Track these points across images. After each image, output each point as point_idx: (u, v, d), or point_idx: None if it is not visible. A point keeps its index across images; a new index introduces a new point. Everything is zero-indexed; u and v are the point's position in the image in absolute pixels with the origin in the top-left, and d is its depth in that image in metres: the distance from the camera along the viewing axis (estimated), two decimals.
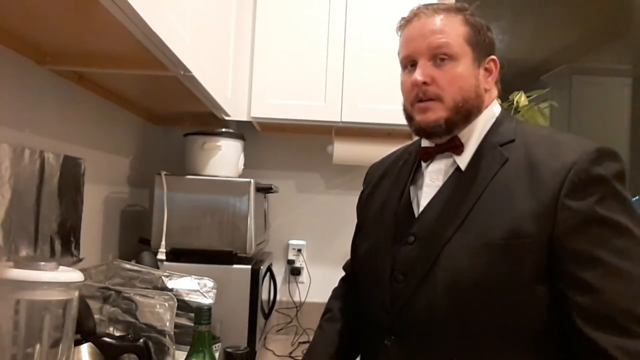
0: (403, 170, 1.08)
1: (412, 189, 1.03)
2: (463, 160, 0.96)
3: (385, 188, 1.10)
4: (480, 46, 0.96)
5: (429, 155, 1.01)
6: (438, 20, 0.95)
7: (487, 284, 0.85)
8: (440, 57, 0.94)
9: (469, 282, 0.86)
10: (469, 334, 0.87)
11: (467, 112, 0.95)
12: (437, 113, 0.94)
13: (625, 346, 0.77)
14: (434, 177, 0.98)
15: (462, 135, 0.96)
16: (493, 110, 1.00)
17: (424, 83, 0.94)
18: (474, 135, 0.96)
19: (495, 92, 1.01)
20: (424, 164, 1.03)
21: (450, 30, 0.94)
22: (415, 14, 0.99)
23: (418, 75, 0.94)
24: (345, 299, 1.19)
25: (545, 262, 0.84)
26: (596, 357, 0.79)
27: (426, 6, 0.99)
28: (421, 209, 0.97)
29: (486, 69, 0.98)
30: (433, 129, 0.95)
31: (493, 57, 0.99)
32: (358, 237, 1.16)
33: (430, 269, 0.90)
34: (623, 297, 0.79)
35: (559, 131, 0.97)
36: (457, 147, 0.96)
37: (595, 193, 0.82)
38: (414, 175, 1.04)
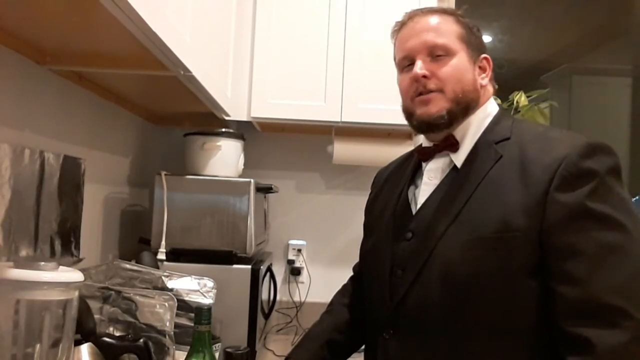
0: (404, 172, 1.10)
1: (411, 188, 1.06)
2: (459, 158, 0.98)
3: (387, 190, 1.14)
4: (473, 44, 0.99)
5: (428, 155, 1.03)
6: (432, 20, 0.98)
7: (479, 277, 0.87)
8: (437, 53, 0.96)
9: (461, 275, 0.88)
10: (462, 326, 0.88)
11: (466, 104, 0.97)
12: (439, 104, 0.96)
13: (605, 337, 0.77)
14: (431, 176, 1.01)
15: (457, 132, 0.98)
16: (488, 108, 1.01)
17: (424, 77, 0.95)
18: (469, 133, 0.98)
19: (490, 90, 1.03)
20: (423, 164, 1.05)
21: (445, 28, 0.97)
22: (409, 17, 1.02)
23: (418, 69, 0.95)
24: (349, 294, 1.23)
25: (536, 256, 0.85)
26: (578, 348, 0.80)
27: (418, 9, 1.03)
28: (419, 206, 1.00)
29: (480, 67, 1.00)
30: (435, 120, 0.96)
31: (486, 55, 1.01)
32: (364, 238, 1.20)
33: (425, 262, 0.92)
34: (607, 290, 0.79)
35: (555, 128, 0.99)
36: (452, 145, 0.98)
37: (585, 186, 0.82)
38: (414, 176, 1.07)
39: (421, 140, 1.08)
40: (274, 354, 1.79)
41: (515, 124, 0.98)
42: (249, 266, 1.57)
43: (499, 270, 0.86)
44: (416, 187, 1.04)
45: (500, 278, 0.86)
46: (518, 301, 0.86)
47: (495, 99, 1.07)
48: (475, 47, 0.99)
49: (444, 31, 0.97)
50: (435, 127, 0.98)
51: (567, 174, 0.83)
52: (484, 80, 1.00)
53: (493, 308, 0.87)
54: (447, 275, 0.89)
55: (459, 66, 0.96)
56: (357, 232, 2.13)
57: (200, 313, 1.00)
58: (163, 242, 1.57)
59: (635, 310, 0.77)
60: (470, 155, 0.96)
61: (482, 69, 1.00)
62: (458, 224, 0.90)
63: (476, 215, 0.89)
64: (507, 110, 1.07)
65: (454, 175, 0.97)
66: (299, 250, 2.12)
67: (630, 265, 0.80)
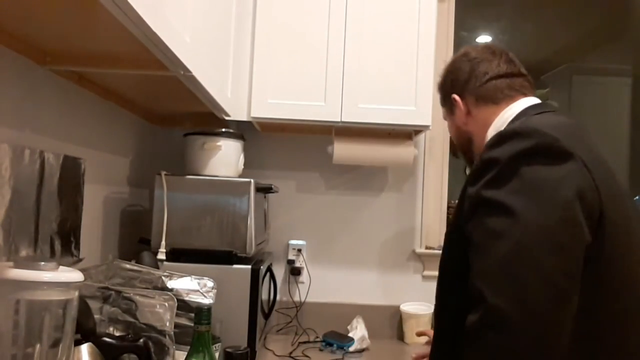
0: None
1: None
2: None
3: None
4: (447, 102, 1.18)
5: None
6: None
7: (445, 272, 0.97)
8: None
9: (441, 270, 0.98)
10: (438, 313, 0.99)
11: (463, 142, 1.17)
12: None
13: (468, 319, 0.78)
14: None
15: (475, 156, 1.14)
16: (497, 126, 1.06)
17: None
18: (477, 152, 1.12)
19: (481, 114, 1.10)
20: None
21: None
22: None
23: None
24: None
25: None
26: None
27: None
28: None
29: (451, 110, 1.17)
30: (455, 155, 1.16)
31: (452, 95, 1.15)
32: None
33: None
34: (477, 274, 0.79)
35: (527, 120, 0.97)
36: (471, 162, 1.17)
37: (484, 176, 0.83)
38: None
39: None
40: (274, 354, 1.80)
41: (517, 123, 0.98)
42: (249, 266, 1.57)
43: (453, 267, 0.94)
44: None
45: (455, 275, 0.93)
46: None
47: (528, 98, 1.07)
48: (447, 102, 1.18)
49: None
50: (456, 155, 1.14)
51: (476, 168, 0.87)
52: (459, 119, 1.14)
53: (454, 300, 0.94)
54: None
55: (449, 128, 1.22)
56: (357, 232, 2.14)
57: (200, 313, 1.00)
58: (163, 242, 1.57)
59: (491, 295, 0.75)
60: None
61: (452, 110, 1.16)
62: (450, 229, 0.99)
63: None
64: (538, 106, 1.04)
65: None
66: (299, 250, 2.12)
67: (504, 249, 0.76)
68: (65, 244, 1.25)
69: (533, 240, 0.75)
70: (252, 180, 1.62)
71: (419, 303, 2.09)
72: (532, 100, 1.05)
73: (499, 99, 1.07)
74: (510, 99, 1.06)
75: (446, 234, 0.98)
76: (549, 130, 0.83)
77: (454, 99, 1.13)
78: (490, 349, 0.74)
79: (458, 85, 1.13)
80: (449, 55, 2.22)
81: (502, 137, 0.85)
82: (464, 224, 0.85)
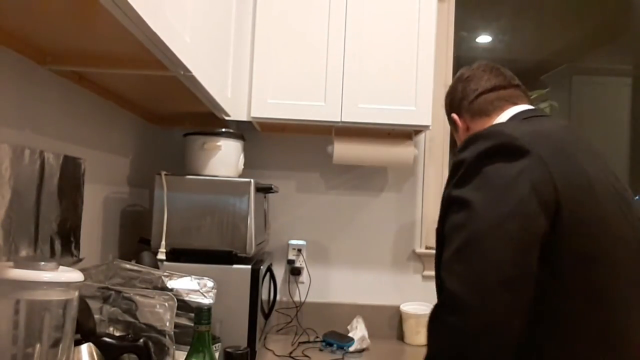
0: None
1: None
2: None
3: None
4: (449, 118, 1.26)
5: None
6: None
7: (437, 268, 0.98)
8: None
9: (435, 265, 1.00)
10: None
11: None
12: None
13: (433, 306, 0.86)
14: None
15: None
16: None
17: None
18: None
19: (477, 127, 1.15)
20: None
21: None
22: None
23: None
24: None
25: None
26: None
27: None
28: None
29: (455, 128, 1.24)
30: None
31: (452, 115, 1.24)
32: None
33: None
34: (443, 265, 0.85)
35: (497, 124, 1.02)
36: None
37: (454, 177, 0.91)
38: None
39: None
40: (274, 354, 1.80)
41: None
42: (249, 266, 1.57)
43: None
44: None
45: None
46: None
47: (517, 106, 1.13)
48: (450, 122, 1.26)
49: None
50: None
51: (449, 171, 0.94)
52: (461, 136, 1.21)
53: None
54: None
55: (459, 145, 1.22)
56: (357, 232, 2.14)
57: (200, 313, 1.00)
58: (163, 242, 1.57)
59: (448, 281, 0.82)
60: None
61: (456, 128, 1.24)
62: None
63: None
64: (524, 113, 1.10)
65: None
66: (299, 250, 2.12)
67: (461, 239, 0.83)
68: (65, 244, 1.25)
69: (485, 231, 0.81)
70: (252, 180, 1.62)
71: (419, 303, 2.09)
72: (521, 108, 1.11)
73: (490, 111, 1.15)
74: (500, 109, 1.14)
75: (436, 231, 1.00)
76: (509, 130, 0.90)
77: (454, 118, 1.23)
78: (445, 330, 0.81)
79: (455, 105, 1.23)
80: (449, 55, 2.22)
81: (468, 141, 0.93)
82: (442, 223, 0.92)
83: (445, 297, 0.82)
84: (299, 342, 1.95)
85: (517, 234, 0.80)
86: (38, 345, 0.81)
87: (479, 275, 0.79)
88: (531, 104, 1.14)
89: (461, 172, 0.89)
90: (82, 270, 0.94)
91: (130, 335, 1.11)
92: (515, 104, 1.13)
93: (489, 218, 0.82)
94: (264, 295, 1.70)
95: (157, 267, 1.47)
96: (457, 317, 0.79)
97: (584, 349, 0.84)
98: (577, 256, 0.84)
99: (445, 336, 0.81)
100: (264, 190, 1.77)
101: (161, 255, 1.56)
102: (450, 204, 0.89)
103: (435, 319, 0.84)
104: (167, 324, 1.15)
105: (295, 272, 2.10)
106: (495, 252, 0.80)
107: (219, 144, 1.70)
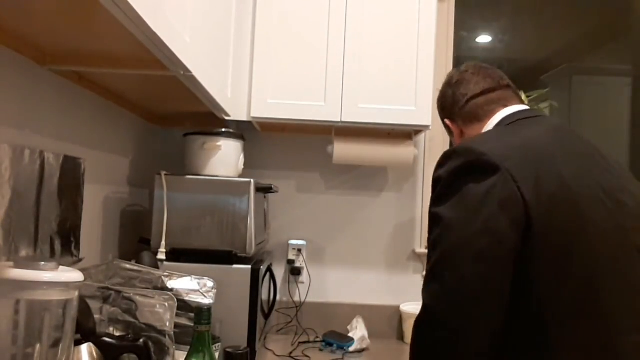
0: None
1: None
2: None
3: None
4: (443, 123, 1.27)
5: None
6: None
7: None
8: None
9: None
10: None
11: None
12: None
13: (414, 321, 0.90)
14: None
15: None
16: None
17: None
18: None
19: (471, 132, 1.18)
20: None
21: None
22: None
23: None
24: None
25: None
26: None
27: None
28: None
29: (449, 132, 1.26)
30: None
31: (445, 120, 1.25)
32: None
33: None
34: (423, 281, 0.90)
35: (468, 140, 1.02)
36: None
37: (433, 193, 0.94)
38: None
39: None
40: (274, 354, 1.80)
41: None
42: (249, 266, 1.57)
43: None
44: None
45: None
46: None
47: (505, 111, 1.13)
48: (445, 126, 1.27)
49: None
50: None
51: (431, 187, 0.97)
52: (457, 139, 1.22)
53: None
54: None
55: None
56: (357, 232, 2.14)
57: (200, 313, 1.00)
58: (163, 242, 1.57)
59: (424, 295, 0.88)
60: None
61: (450, 132, 1.26)
62: None
63: None
64: (512, 116, 1.12)
65: None
66: (299, 250, 2.12)
67: (435, 256, 0.88)
68: (65, 244, 1.25)
69: (456, 248, 0.85)
70: (252, 180, 1.62)
71: (418, 303, 2.07)
72: (510, 110, 1.12)
73: (481, 116, 1.16)
74: (491, 112, 1.15)
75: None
76: (478, 147, 0.91)
77: (447, 123, 1.25)
78: (421, 340, 0.88)
79: (446, 111, 1.24)
80: (449, 55, 2.22)
81: (444, 157, 0.95)
82: (428, 238, 0.95)
83: (423, 311, 0.87)
84: (299, 342, 1.95)
85: (487, 251, 0.83)
86: (38, 345, 0.81)
87: (450, 291, 0.84)
88: (522, 103, 1.15)
89: (439, 189, 0.93)
90: (82, 270, 0.94)
91: (130, 335, 1.11)
92: (506, 105, 1.14)
93: (460, 236, 0.85)
94: (264, 295, 1.70)
95: (157, 267, 1.47)
96: (429, 329, 0.85)
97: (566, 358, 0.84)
98: (552, 268, 0.84)
99: (421, 347, 0.87)
100: (264, 190, 1.77)
101: (161, 255, 1.56)
102: (430, 220, 0.93)
103: (414, 329, 0.89)
104: (167, 324, 1.15)
105: (295, 272, 2.10)
106: (465, 269, 0.83)
107: (219, 144, 1.70)
